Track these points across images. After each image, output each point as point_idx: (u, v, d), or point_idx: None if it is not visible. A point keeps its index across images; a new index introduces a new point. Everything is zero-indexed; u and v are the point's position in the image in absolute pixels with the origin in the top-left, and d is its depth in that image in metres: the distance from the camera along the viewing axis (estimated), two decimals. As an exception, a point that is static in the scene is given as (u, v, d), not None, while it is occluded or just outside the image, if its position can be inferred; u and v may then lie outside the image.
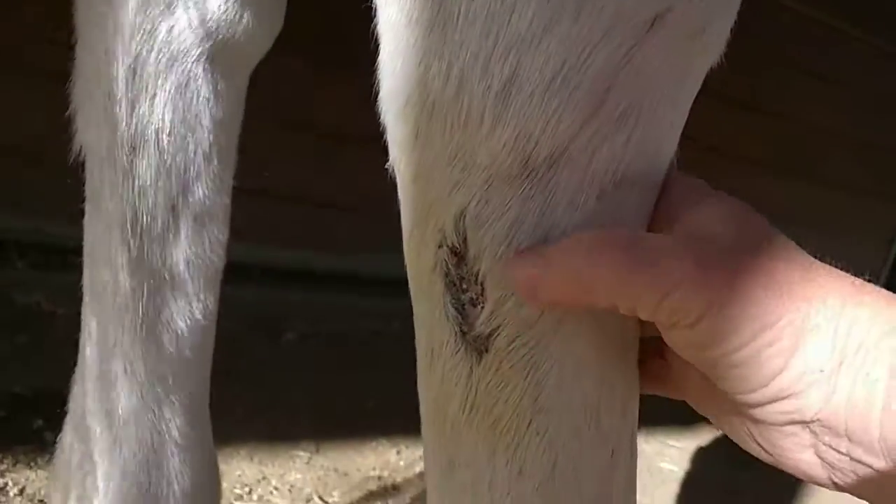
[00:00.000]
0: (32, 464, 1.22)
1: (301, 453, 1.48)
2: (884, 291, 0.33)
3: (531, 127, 0.35)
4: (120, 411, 0.58)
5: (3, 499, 1.12)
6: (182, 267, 0.59)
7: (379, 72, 0.39)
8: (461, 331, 0.39)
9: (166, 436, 0.59)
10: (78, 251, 1.79)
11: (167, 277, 0.59)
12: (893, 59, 3.03)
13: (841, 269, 0.36)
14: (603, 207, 0.37)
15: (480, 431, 0.40)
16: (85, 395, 0.60)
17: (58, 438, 0.62)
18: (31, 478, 1.18)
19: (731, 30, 0.39)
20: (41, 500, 1.14)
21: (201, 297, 0.60)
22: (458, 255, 0.38)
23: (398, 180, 0.41)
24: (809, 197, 3.07)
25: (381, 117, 0.40)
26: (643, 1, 0.34)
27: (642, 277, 0.33)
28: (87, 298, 0.60)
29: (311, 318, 1.97)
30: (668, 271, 0.33)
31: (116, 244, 0.57)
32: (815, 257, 0.37)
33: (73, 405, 0.61)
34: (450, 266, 0.38)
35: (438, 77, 0.36)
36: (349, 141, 1.97)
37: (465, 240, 0.38)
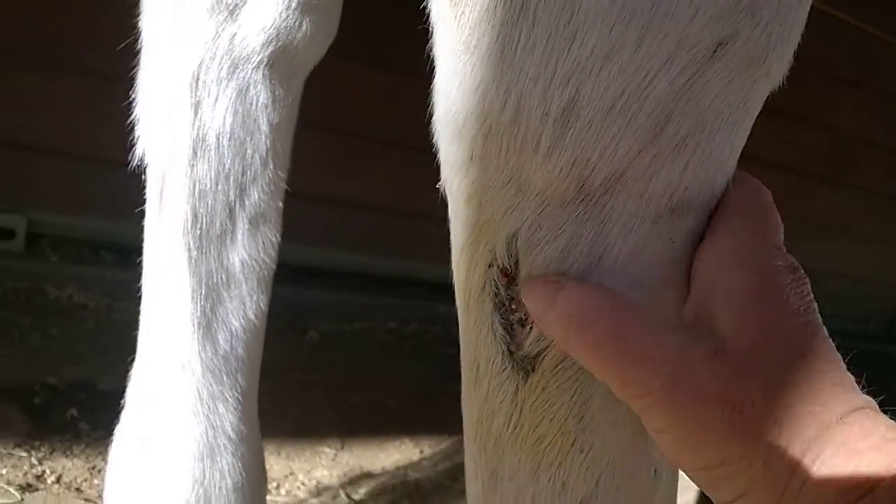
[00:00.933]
0: (69, 452, 1.24)
1: (327, 450, 1.50)
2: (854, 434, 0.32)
3: (588, 153, 0.36)
4: (176, 406, 0.61)
5: (42, 486, 1.15)
6: (238, 267, 0.61)
7: (434, 94, 0.40)
8: (508, 350, 0.40)
9: (220, 430, 0.62)
10: (109, 247, 1.84)
11: (224, 278, 0.61)
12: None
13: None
14: (657, 231, 0.37)
15: (525, 447, 0.41)
16: (142, 389, 0.63)
17: (110, 435, 0.65)
18: (68, 466, 1.21)
19: (794, 53, 0.39)
20: (77, 489, 1.17)
21: (254, 297, 0.63)
22: (509, 275, 0.39)
23: (449, 200, 0.42)
24: (839, 204, 3.00)
25: (435, 138, 0.41)
26: (707, 28, 0.34)
27: (615, 378, 0.35)
28: (146, 296, 0.62)
29: (334, 318, 2.00)
30: (640, 381, 0.34)
31: (177, 245, 0.59)
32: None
33: (130, 398, 0.64)
34: (500, 286, 0.39)
35: (496, 102, 0.36)
36: (379, 143, 2.01)
37: (516, 262, 0.38)
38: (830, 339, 0.35)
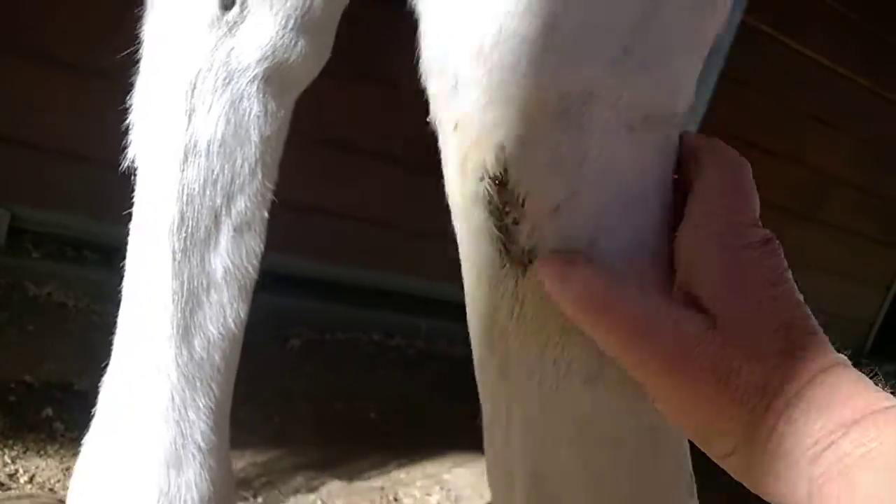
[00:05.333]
0: (42, 452, 1.30)
1: (306, 458, 1.58)
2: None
3: (566, 69, 0.47)
4: (148, 409, 0.64)
5: (14, 486, 1.19)
6: (220, 274, 0.68)
7: (419, 39, 0.51)
8: (505, 248, 0.48)
9: (189, 438, 0.65)
10: (92, 247, 1.97)
11: (204, 283, 0.68)
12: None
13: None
14: (631, 138, 0.48)
15: (528, 333, 0.48)
16: (115, 391, 0.66)
17: (84, 437, 0.68)
18: (41, 466, 1.27)
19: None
20: (51, 489, 1.22)
21: (234, 305, 0.69)
22: (501, 182, 0.48)
23: (438, 132, 0.51)
24: (810, 239, 3.31)
25: (423, 79, 0.51)
26: None
27: (620, 351, 0.45)
28: (126, 297, 0.68)
29: (316, 327, 2.13)
30: (642, 354, 0.44)
31: (162, 247, 0.66)
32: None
33: (102, 400, 0.67)
34: (492, 194, 0.48)
35: (479, 30, 0.47)
36: (373, 157, 2.21)
37: (505, 169, 0.47)
38: (803, 302, 0.46)
